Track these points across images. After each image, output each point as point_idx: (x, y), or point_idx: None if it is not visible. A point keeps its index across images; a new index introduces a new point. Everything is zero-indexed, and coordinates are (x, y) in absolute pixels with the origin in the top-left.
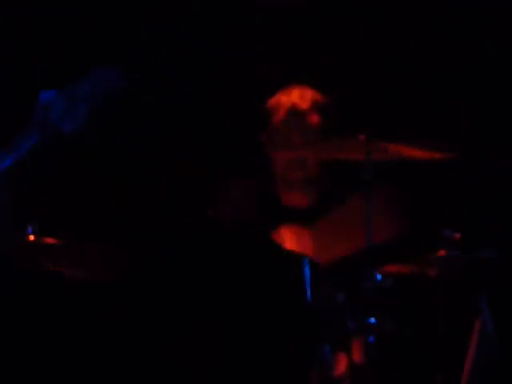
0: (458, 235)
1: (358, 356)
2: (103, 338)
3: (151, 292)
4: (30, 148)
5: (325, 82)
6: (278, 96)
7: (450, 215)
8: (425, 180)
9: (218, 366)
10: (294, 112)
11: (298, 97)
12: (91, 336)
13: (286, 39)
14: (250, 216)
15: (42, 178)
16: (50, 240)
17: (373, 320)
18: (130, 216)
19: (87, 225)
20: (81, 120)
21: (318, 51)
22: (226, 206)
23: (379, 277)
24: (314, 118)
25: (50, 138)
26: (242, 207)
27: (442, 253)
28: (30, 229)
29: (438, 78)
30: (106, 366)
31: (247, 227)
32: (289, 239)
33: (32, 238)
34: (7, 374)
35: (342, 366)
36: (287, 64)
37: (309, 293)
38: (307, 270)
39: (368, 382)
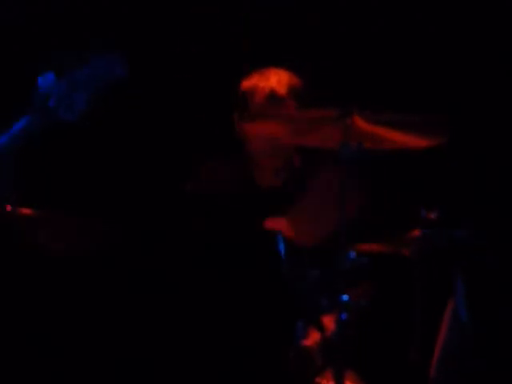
0: (433, 214)
1: (330, 332)
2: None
3: (129, 268)
4: (29, 132)
5: (299, 62)
6: (256, 80)
7: (426, 194)
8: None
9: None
10: (273, 98)
11: (276, 82)
12: (70, 316)
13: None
14: (227, 193)
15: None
16: (27, 211)
17: (346, 297)
18: (111, 190)
19: (66, 197)
20: (80, 106)
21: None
22: (205, 182)
23: (354, 255)
24: (291, 104)
25: (49, 123)
26: (219, 185)
27: (417, 232)
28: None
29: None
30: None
31: (225, 203)
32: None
33: (9, 208)
34: None
35: (314, 341)
36: (260, 42)
37: (283, 269)
38: (282, 247)
39: (339, 358)
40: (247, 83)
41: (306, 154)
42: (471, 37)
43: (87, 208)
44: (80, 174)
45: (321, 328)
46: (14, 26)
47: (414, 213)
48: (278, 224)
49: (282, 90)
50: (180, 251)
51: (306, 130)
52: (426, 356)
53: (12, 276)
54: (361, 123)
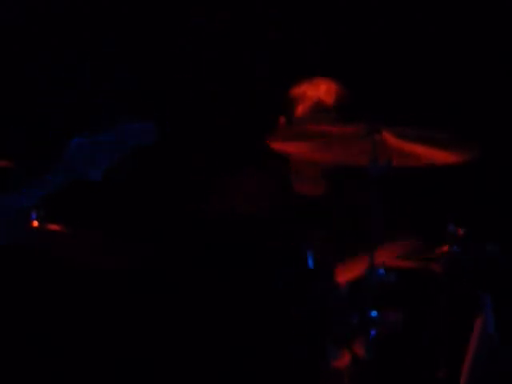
0: (462, 230)
1: (360, 350)
2: (101, 330)
3: (153, 283)
4: (53, 189)
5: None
6: (304, 87)
7: (455, 210)
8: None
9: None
10: (320, 107)
11: (324, 92)
12: (90, 326)
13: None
14: (263, 206)
15: None
16: (54, 227)
17: (375, 314)
18: (136, 207)
19: (92, 213)
20: (104, 169)
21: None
22: (239, 196)
23: (382, 271)
24: (335, 115)
25: (73, 181)
26: (254, 197)
27: (446, 248)
28: (34, 215)
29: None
30: (101, 359)
31: (259, 217)
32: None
33: (36, 224)
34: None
35: (344, 360)
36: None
37: (312, 285)
38: (311, 262)
39: (369, 376)
40: (296, 90)
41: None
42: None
43: (112, 224)
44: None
45: (350, 345)
46: (13, 26)
47: (443, 229)
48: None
49: (329, 100)
50: (207, 268)
51: (335, 146)
52: (455, 372)
53: (37, 289)
54: (390, 139)
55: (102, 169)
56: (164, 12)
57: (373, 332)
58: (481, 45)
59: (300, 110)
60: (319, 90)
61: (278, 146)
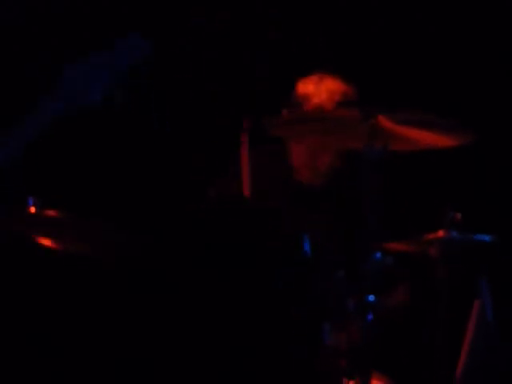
0: (459, 215)
1: (356, 334)
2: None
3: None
4: (52, 118)
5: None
6: (312, 85)
7: (452, 195)
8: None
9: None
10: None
11: (331, 92)
12: (88, 325)
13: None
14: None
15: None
16: (51, 213)
17: (372, 298)
18: (134, 194)
19: (91, 200)
20: (105, 89)
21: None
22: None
23: (379, 255)
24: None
25: (73, 108)
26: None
27: (442, 232)
28: (30, 200)
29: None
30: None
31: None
32: None
33: (33, 210)
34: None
35: (340, 342)
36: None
37: (309, 269)
38: (307, 247)
39: (366, 359)
40: (303, 87)
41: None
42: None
43: (110, 211)
44: (105, 172)
45: (347, 329)
46: (13, 26)
47: (439, 213)
48: None
49: (336, 97)
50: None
51: (332, 130)
52: (453, 356)
53: (32, 277)
54: (385, 123)
55: (100, 89)
56: (164, 12)
57: (370, 317)
58: (477, 32)
59: (306, 106)
60: (324, 91)
61: (276, 131)
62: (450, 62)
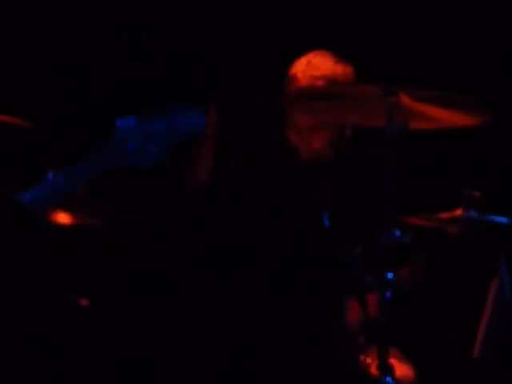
0: (477, 193)
1: (373, 310)
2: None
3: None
4: (98, 172)
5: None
6: (305, 64)
7: (471, 173)
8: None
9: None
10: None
11: (336, 66)
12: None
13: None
14: (274, 169)
15: None
16: None
17: (390, 275)
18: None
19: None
20: (155, 157)
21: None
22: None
23: (398, 233)
24: None
25: (121, 166)
26: (265, 161)
27: (460, 211)
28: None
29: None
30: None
31: (271, 180)
32: None
33: None
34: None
35: (357, 318)
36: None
37: (328, 245)
38: (326, 223)
39: (383, 336)
40: (298, 67)
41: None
42: None
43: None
44: None
45: (364, 305)
46: (13, 25)
47: (459, 191)
48: None
49: (341, 76)
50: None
51: (351, 107)
52: (469, 335)
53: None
54: (406, 101)
55: (152, 156)
56: (164, 12)
57: (388, 294)
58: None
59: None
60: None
61: (289, 108)
62: (473, 38)
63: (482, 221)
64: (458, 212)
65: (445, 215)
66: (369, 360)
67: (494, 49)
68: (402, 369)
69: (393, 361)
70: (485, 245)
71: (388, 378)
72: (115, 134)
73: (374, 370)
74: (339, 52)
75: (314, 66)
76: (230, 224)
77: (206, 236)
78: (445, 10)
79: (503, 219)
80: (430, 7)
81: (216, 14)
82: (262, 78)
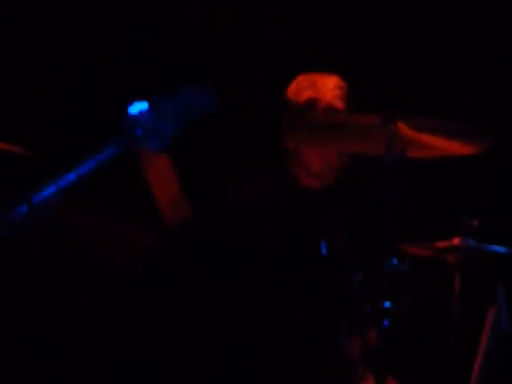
0: (476, 222)
1: (372, 339)
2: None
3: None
4: (110, 158)
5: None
6: (312, 90)
7: (470, 203)
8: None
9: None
10: (331, 110)
11: (334, 95)
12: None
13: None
14: (271, 199)
15: None
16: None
17: (388, 304)
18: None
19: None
20: (167, 139)
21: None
22: (249, 189)
23: (395, 261)
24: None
25: (133, 151)
26: (263, 191)
27: (458, 239)
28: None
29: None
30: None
31: (268, 210)
32: None
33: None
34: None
35: (356, 347)
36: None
37: (326, 274)
38: (324, 252)
39: (381, 365)
40: (304, 94)
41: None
42: None
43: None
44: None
45: (363, 335)
46: (13, 25)
47: (457, 219)
48: None
49: (339, 103)
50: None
51: (350, 136)
52: (467, 363)
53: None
54: (404, 129)
55: (165, 139)
56: (164, 12)
57: (386, 322)
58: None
59: (311, 113)
60: (328, 94)
61: (288, 137)
62: (471, 66)
63: (480, 249)
64: (456, 241)
65: (443, 244)
66: None
67: (491, 73)
68: None
69: None
70: (483, 273)
71: None
72: (127, 119)
73: None
74: (338, 64)
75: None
76: (229, 225)
77: (206, 237)
78: (445, 33)
79: (501, 248)
80: (420, 34)
81: (216, 14)
82: (262, 81)
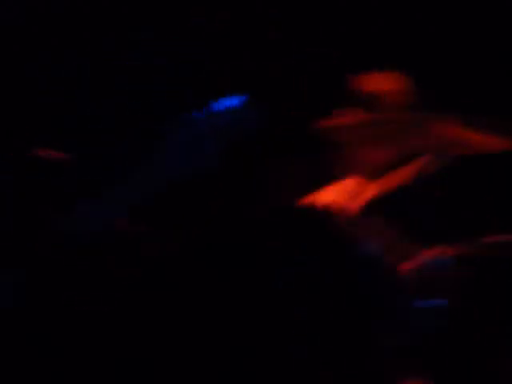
0: None
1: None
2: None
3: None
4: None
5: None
6: (376, 84)
7: None
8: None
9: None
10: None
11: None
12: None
13: None
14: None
15: None
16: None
17: (430, 303)
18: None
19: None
20: (216, 156)
21: None
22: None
23: (441, 258)
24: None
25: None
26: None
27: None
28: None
29: None
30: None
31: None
32: None
33: None
34: None
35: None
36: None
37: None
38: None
39: (418, 361)
40: (369, 86)
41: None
42: None
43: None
44: None
45: (400, 330)
46: (14, 26)
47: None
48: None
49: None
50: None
51: (392, 134)
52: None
53: None
54: (445, 127)
55: (214, 156)
56: (164, 12)
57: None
58: None
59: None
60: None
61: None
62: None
63: None
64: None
65: (489, 240)
66: None
67: None
68: None
69: None
70: None
71: None
72: (179, 135)
73: None
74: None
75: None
76: (231, 224)
77: (205, 235)
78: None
79: None
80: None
81: (216, 14)
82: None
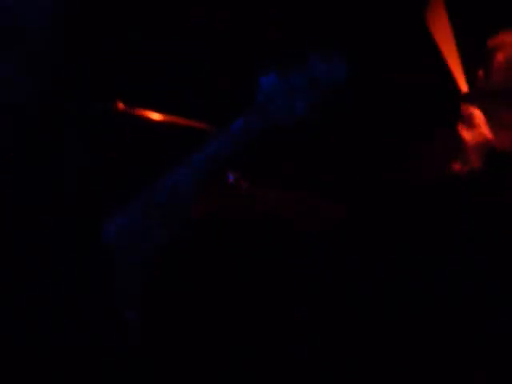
0: None
1: None
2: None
3: None
4: (246, 136)
5: None
6: (503, 36)
7: None
8: None
9: None
10: None
11: None
12: None
13: None
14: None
15: None
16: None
17: None
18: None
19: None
20: (299, 113)
21: None
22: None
23: None
24: None
25: (266, 127)
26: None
27: None
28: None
29: None
30: None
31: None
32: None
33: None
34: None
35: None
36: None
37: None
38: None
39: None
40: (493, 40)
41: None
42: None
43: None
44: None
45: None
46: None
47: None
48: None
49: None
50: None
51: None
52: None
53: None
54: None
55: (297, 115)
56: (164, 12)
57: None
58: None
59: (498, 59)
60: None
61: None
62: None
63: None
64: None
65: None
66: None
67: None
68: None
69: None
70: None
71: None
72: (258, 94)
73: None
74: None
75: None
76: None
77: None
78: None
79: None
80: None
81: (216, 14)
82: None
